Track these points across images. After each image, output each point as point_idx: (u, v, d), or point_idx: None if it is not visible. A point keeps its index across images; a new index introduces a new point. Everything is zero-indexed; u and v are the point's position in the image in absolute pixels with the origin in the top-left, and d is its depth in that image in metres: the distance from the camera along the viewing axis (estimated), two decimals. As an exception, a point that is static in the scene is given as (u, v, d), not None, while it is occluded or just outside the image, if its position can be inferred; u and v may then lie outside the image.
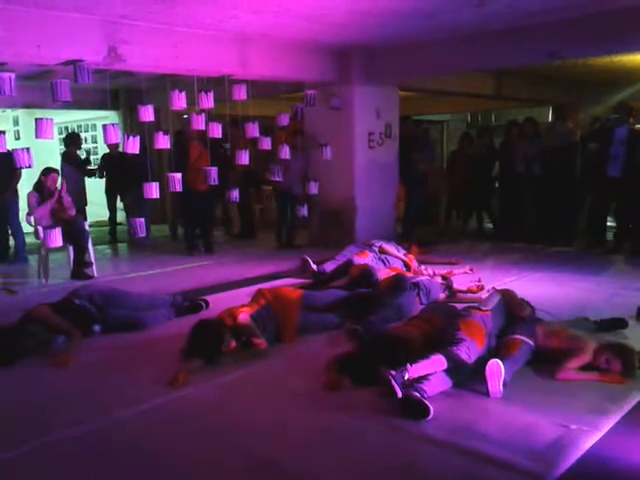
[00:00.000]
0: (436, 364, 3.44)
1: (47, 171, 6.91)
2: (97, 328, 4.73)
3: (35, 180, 7.03)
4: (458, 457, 2.79)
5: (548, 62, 7.23)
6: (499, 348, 3.77)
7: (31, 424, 3.28)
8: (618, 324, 4.47)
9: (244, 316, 4.21)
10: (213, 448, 2.95)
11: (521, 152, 8.64)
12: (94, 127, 12.19)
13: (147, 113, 6.20)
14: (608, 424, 3.03)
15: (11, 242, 8.22)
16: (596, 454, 2.77)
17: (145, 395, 3.56)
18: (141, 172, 8.69)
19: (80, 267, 6.78)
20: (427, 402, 3.16)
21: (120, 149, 9.00)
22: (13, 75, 5.28)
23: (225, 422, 3.24)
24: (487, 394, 3.37)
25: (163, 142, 6.42)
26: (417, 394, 3.20)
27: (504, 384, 3.38)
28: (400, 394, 3.24)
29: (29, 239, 8.03)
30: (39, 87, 7.80)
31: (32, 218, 6.84)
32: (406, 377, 3.30)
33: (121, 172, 8.98)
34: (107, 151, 9.43)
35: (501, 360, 3.46)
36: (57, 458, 2.93)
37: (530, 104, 11.99)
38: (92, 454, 2.94)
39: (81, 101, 9.01)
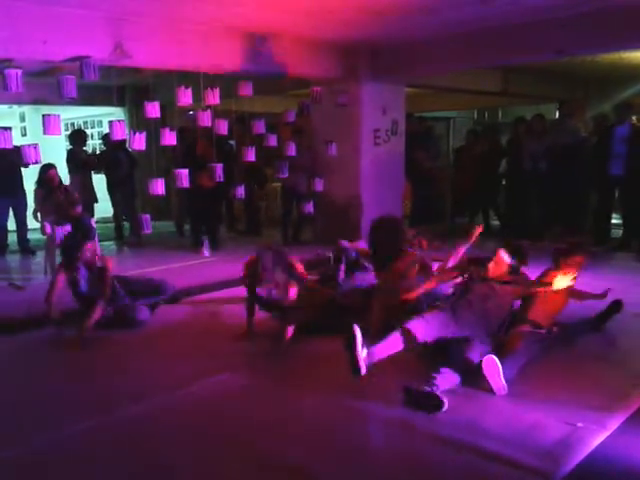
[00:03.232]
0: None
1: (45, 168, 6.95)
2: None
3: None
4: (464, 454, 2.79)
5: (555, 59, 7.20)
6: (504, 345, 3.77)
7: (39, 417, 3.29)
8: (614, 309, 4.52)
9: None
10: (214, 444, 2.96)
11: (528, 149, 8.60)
12: (100, 123, 12.20)
13: (153, 109, 6.19)
14: (615, 422, 3.02)
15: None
16: (604, 452, 2.77)
17: (148, 392, 3.58)
18: (132, 169, 8.84)
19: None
20: (441, 395, 3.17)
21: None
22: (20, 71, 5.29)
23: (225, 418, 3.25)
24: (492, 392, 3.37)
25: (169, 138, 6.42)
26: (429, 388, 3.22)
27: (507, 380, 3.37)
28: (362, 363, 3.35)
29: (36, 235, 8.06)
30: (46, 83, 7.81)
31: (39, 214, 6.88)
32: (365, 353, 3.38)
33: (116, 168, 9.02)
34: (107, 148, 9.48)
35: (504, 356, 3.47)
36: (60, 454, 2.95)
37: (537, 101, 11.94)
38: (93, 450, 2.96)
39: (87, 97, 9.02)
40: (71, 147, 9.18)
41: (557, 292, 4.02)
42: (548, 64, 8.67)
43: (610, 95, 10.62)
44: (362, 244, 6.06)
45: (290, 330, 4.15)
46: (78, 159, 8.95)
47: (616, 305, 4.58)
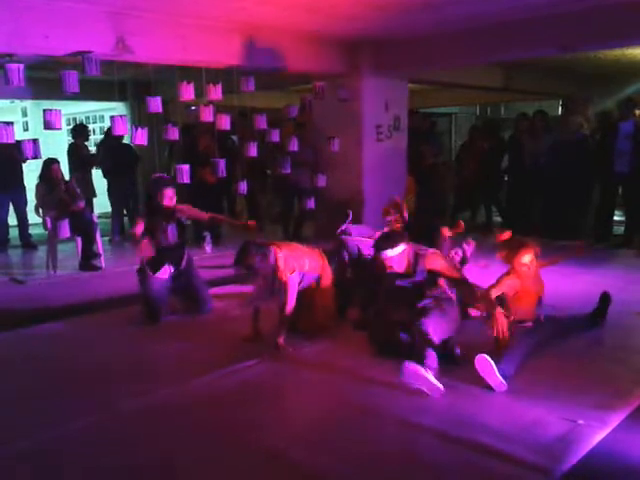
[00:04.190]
0: None
1: (48, 162, 6.96)
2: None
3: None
4: (464, 451, 2.79)
5: (559, 55, 7.16)
6: (497, 345, 3.79)
7: (42, 413, 3.30)
8: (605, 302, 4.50)
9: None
10: (218, 442, 2.96)
11: (529, 147, 8.58)
12: (102, 118, 12.20)
13: (155, 104, 6.19)
14: (616, 420, 3.02)
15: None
16: (604, 449, 2.77)
17: (150, 390, 3.58)
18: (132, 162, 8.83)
19: (88, 258, 6.81)
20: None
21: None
22: (22, 66, 5.28)
23: (229, 417, 3.25)
24: (491, 389, 3.37)
25: (172, 134, 6.42)
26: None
27: (505, 376, 3.37)
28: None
29: (38, 230, 8.08)
30: (48, 78, 7.81)
31: (41, 209, 6.88)
32: None
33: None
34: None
35: (500, 354, 3.48)
36: (62, 449, 2.95)
37: (540, 97, 11.90)
38: (92, 448, 2.96)
39: (89, 92, 9.00)
40: (73, 141, 9.18)
41: (528, 286, 4.01)
42: (551, 60, 8.64)
43: (614, 91, 10.58)
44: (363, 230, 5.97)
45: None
46: (80, 154, 8.95)
47: (605, 297, 4.54)
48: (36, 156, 5.52)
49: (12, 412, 3.37)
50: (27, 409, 3.38)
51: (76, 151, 8.98)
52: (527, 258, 3.95)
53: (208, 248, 7.83)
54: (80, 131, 9.16)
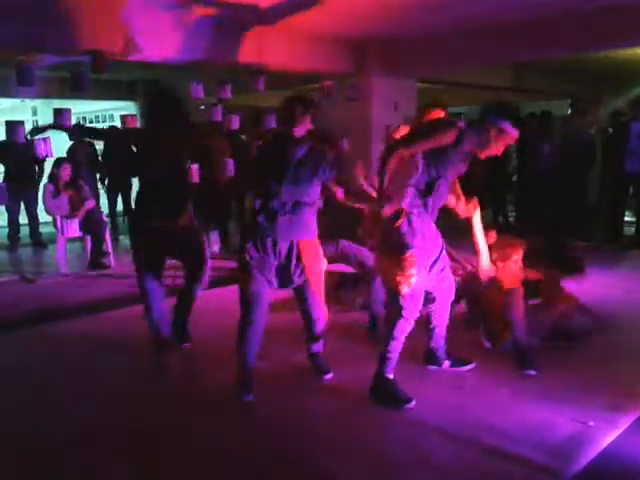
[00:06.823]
0: None
1: (59, 162, 6.98)
2: None
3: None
4: (474, 453, 2.78)
5: (569, 55, 7.12)
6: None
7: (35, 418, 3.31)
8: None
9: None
10: (220, 446, 2.96)
11: (535, 148, 8.52)
12: (112, 117, 12.24)
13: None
14: (626, 421, 3.00)
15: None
16: (614, 451, 2.75)
17: (158, 390, 3.58)
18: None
19: (97, 257, 6.84)
20: None
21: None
22: (33, 66, 5.30)
23: (237, 419, 3.25)
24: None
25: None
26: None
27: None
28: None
29: (47, 229, 8.12)
30: (58, 78, 7.84)
31: (51, 208, 6.92)
32: None
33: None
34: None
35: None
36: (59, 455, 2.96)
37: (549, 97, 11.84)
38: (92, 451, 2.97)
39: (99, 91, 9.02)
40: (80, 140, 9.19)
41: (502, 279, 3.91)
42: (561, 60, 8.59)
43: (624, 91, 10.50)
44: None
45: None
46: (84, 153, 8.96)
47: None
48: (47, 155, 5.53)
49: (16, 411, 3.39)
50: (35, 410, 3.39)
51: (80, 150, 8.97)
52: (516, 257, 4.02)
53: (215, 247, 7.84)
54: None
